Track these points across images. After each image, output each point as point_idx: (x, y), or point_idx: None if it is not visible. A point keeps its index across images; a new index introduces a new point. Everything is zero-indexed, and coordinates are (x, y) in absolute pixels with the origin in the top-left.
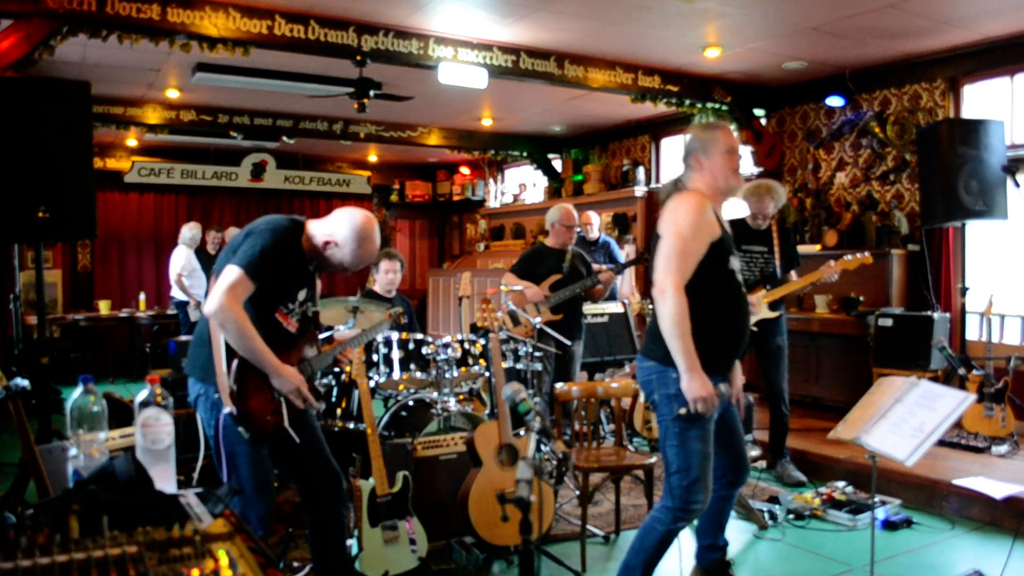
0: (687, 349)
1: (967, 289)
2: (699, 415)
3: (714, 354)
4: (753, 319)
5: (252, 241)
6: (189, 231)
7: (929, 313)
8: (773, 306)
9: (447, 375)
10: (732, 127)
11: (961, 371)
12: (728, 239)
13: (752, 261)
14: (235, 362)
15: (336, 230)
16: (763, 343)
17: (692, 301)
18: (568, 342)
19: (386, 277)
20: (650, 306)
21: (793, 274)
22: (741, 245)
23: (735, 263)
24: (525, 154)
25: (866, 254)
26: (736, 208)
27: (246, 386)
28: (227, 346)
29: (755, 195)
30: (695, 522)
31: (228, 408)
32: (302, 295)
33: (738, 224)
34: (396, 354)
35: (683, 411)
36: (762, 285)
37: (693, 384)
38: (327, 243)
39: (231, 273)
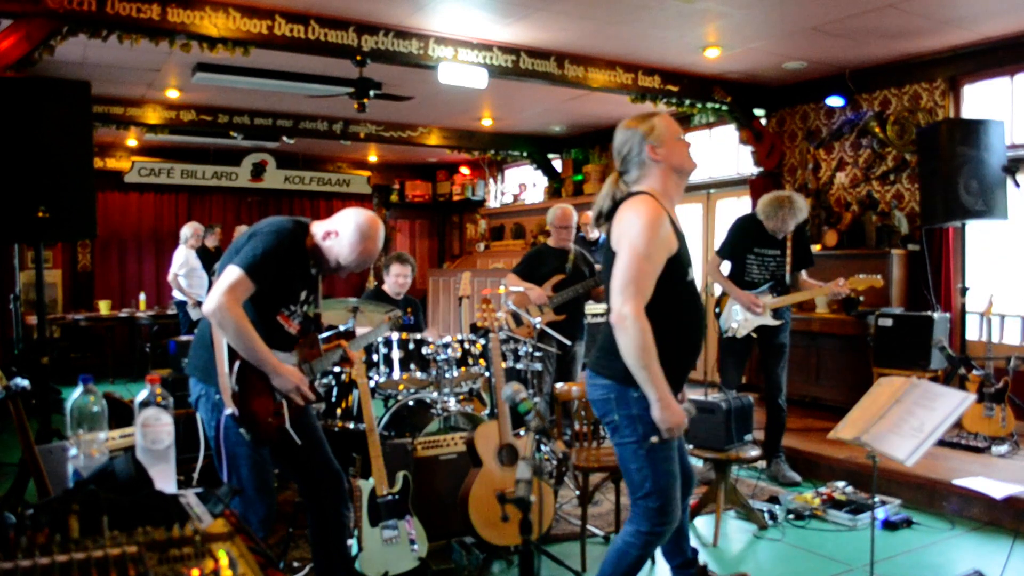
0: (656, 378)
1: (967, 289)
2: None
3: (674, 369)
4: (756, 324)
5: (255, 243)
6: (187, 231)
7: (929, 313)
8: (777, 314)
9: (447, 375)
10: (672, 121)
11: (961, 371)
12: (685, 249)
13: (763, 264)
14: (237, 364)
15: (339, 224)
16: (767, 341)
17: (651, 318)
18: (570, 343)
19: (396, 281)
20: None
21: (804, 274)
22: (754, 248)
23: (692, 272)
24: (525, 154)
25: (878, 277)
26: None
27: (248, 388)
28: (229, 348)
29: (776, 214)
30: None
31: (230, 409)
32: (303, 297)
33: (754, 224)
34: (396, 354)
35: (655, 439)
36: (771, 291)
37: (666, 414)
38: (328, 234)
39: (232, 273)
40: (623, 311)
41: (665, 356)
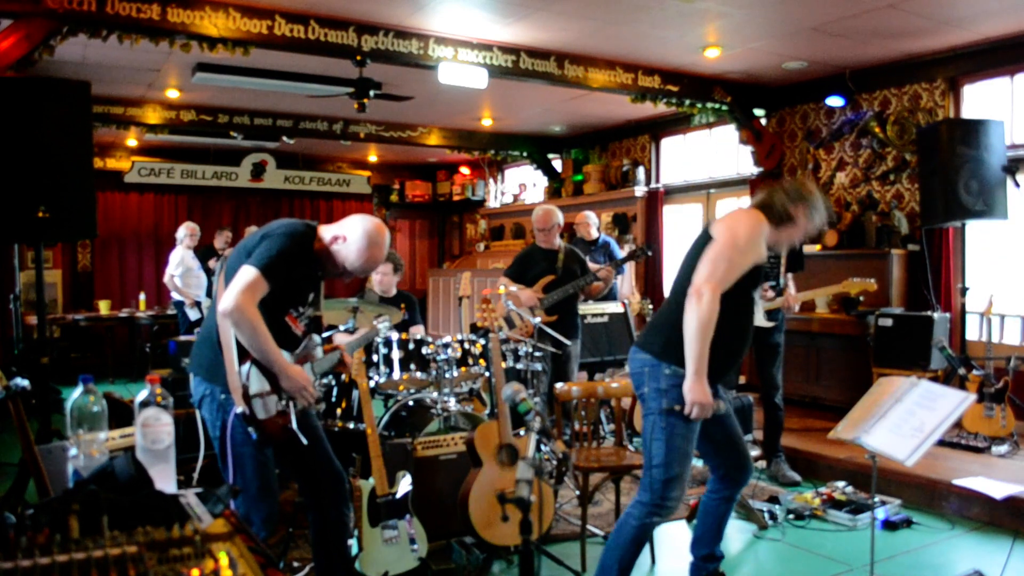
0: (703, 354)
1: (967, 289)
2: (688, 418)
3: (718, 364)
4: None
5: (269, 244)
6: (183, 231)
7: (929, 313)
8: (770, 315)
9: (447, 375)
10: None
11: (961, 371)
12: (763, 268)
13: None
14: (248, 363)
15: (347, 229)
16: (761, 341)
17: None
18: (568, 341)
19: (375, 278)
20: (650, 306)
21: (790, 276)
22: None
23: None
24: (525, 154)
25: (872, 281)
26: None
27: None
28: (238, 346)
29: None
30: (692, 533)
31: (240, 408)
32: (310, 299)
33: None
34: (396, 354)
35: (678, 407)
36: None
37: (697, 388)
38: (335, 238)
39: (248, 273)
40: (703, 287)
41: (716, 350)
